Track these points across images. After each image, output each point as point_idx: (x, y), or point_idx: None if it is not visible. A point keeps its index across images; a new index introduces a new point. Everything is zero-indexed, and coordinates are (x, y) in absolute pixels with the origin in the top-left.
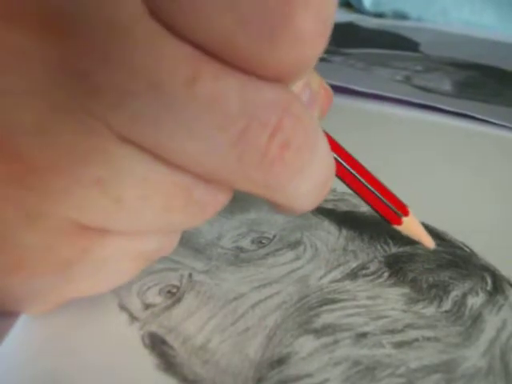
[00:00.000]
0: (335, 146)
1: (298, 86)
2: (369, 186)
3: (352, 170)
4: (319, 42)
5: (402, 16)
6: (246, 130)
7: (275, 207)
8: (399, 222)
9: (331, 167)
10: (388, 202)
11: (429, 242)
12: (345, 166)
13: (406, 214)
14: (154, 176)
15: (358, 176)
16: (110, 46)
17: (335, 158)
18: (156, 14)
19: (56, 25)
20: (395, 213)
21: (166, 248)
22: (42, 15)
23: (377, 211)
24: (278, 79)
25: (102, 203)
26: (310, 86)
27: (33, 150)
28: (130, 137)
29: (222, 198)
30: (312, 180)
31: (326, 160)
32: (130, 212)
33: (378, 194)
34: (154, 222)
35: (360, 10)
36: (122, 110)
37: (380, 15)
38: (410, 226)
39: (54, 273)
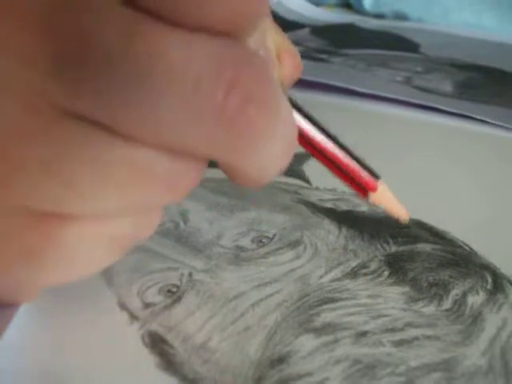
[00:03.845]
0: (298, 112)
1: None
2: (333, 159)
3: (315, 140)
4: None
5: (402, 17)
6: (198, 84)
7: (240, 180)
8: (366, 196)
9: (294, 132)
10: (353, 175)
11: (402, 213)
12: (307, 135)
13: (373, 188)
14: (106, 156)
15: (322, 147)
16: (43, 9)
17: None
18: None
19: None
20: (361, 187)
21: (143, 231)
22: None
23: (345, 183)
24: (231, 28)
25: (52, 188)
26: (264, 46)
27: None
28: (74, 108)
29: (193, 174)
30: (276, 144)
31: (289, 123)
32: (84, 195)
33: (343, 167)
34: (115, 204)
35: (360, 11)
36: (61, 77)
37: (380, 16)
38: (379, 199)
39: (19, 262)
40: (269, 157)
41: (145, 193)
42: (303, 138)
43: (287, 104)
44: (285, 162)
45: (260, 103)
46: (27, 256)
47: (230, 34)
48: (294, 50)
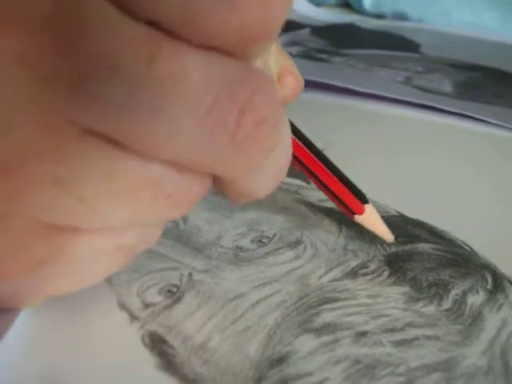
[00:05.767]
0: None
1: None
2: (322, 180)
3: (307, 161)
4: (283, 6)
5: (402, 17)
6: (214, 106)
7: (235, 196)
8: (352, 217)
9: (290, 151)
10: (341, 197)
11: (386, 236)
12: (299, 156)
13: (360, 211)
14: (119, 172)
15: (312, 168)
16: (64, 31)
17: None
18: None
19: (8, 13)
20: (348, 208)
21: (146, 243)
22: None
23: (334, 203)
24: (242, 49)
25: (66, 202)
26: (268, 66)
27: None
28: (92, 126)
29: (198, 190)
30: (278, 162)
31: (288, 143)
32: (97, 210)
33: (332, 189)
34: (124, 219)
35: (360, 11)
36: (82, 96)
37: (380, 16)
38: (364, 221)
39: (27, 271)
40: (267, 174)
41: (153, 208)
42: (295, 158)
43: (288, 124)
44: (281, 175)
45: (271, 126)
46: (36, 266)
47: (239, 55)
48: (296, 70)
